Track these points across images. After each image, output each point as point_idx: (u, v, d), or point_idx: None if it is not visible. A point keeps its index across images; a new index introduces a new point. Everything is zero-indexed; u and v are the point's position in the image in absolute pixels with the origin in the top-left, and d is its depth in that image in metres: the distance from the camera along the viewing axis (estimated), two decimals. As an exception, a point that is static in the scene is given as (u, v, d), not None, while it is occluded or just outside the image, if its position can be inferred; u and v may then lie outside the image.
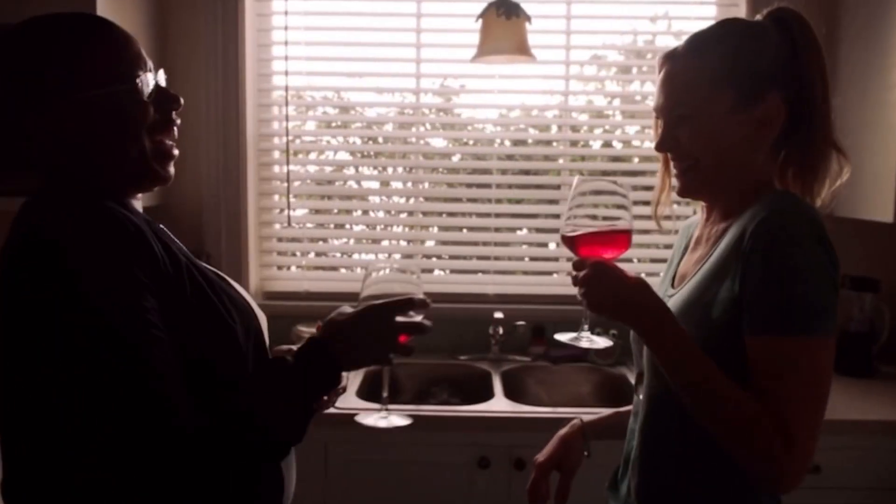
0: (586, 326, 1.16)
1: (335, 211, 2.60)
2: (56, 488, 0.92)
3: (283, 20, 2.39)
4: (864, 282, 2.26)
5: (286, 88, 2.39)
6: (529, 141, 2.57)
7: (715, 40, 1.10)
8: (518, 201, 2.54)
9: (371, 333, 1.05)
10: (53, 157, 1.00)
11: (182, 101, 1.07)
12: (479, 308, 2.43)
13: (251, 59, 2.39)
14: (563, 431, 1.40)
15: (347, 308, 1.09)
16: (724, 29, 1.12)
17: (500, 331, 2.36)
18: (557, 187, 2.52)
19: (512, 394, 2.08)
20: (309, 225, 2.59)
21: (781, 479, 0.96)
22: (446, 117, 2.56)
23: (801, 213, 1.01)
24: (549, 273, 2.53)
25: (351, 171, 2.56)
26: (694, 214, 1.34)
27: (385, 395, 1.22)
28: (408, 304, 1.07)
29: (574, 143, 2.54)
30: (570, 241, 1.12)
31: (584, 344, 1.15)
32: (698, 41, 1.11)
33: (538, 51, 2.13)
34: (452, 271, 2.56)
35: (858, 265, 2.32)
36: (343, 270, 2.61)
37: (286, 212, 2.49)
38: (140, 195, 1.10)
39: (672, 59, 1.12)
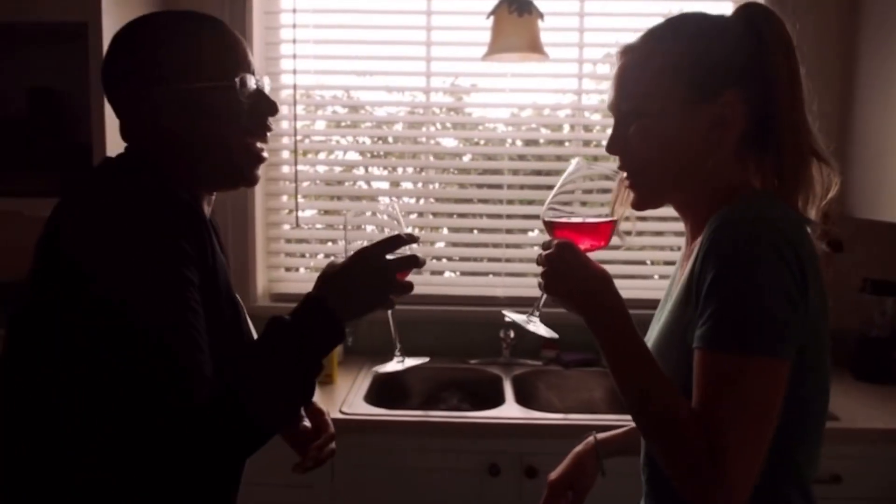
0: (537, 312, 1.13)
1: (344, 212, 2.57)
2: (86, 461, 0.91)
3: (292, 18, 2.36)
4: (885, 285, 2.21)
5: (294, 87, 2.35)
6: (541, 141, 2.53)
7: (669, 33, 1.02)
8: (530, 202, 2.50)
9: (366, 278, 1.02)
10: (143, 140, 1.05)
11: (279, 109, 1.11)
12: (489, 311, 2.39)
13: (259, 58, 2.37)
14: (577, 449, 1.34)
15: (338, 260, 1.06)
16: (681, 21, 1.04)
17: (511, 334, 2.33)
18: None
19: (523, 399, 2.04)
20: (318, 226, 2.56)
21: (707, 500, 0.88)
22: (457, 116, 2.53)
23: (760, 221, 0.91)
24: (562, 275, 2.48)
25: (360, 171, 2.53)
26: None
27: (396, 340, 1.19)
28: (396, 241, 1.04)
29: (587, 143, 2.50)
30: (549, 227, 1.09)
31: (530, 328, 1.12)
32: (653, 34, 1.04)
33: (550, 49, 2.09)
34: (463, 273, 2.52)
35: (879, 268, 2.27)
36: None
37: (294, 212, 2.46)
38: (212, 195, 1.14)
39: (626, 53, 1.05)
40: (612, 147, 1.07)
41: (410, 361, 1.18)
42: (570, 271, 1.01)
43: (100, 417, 0.89)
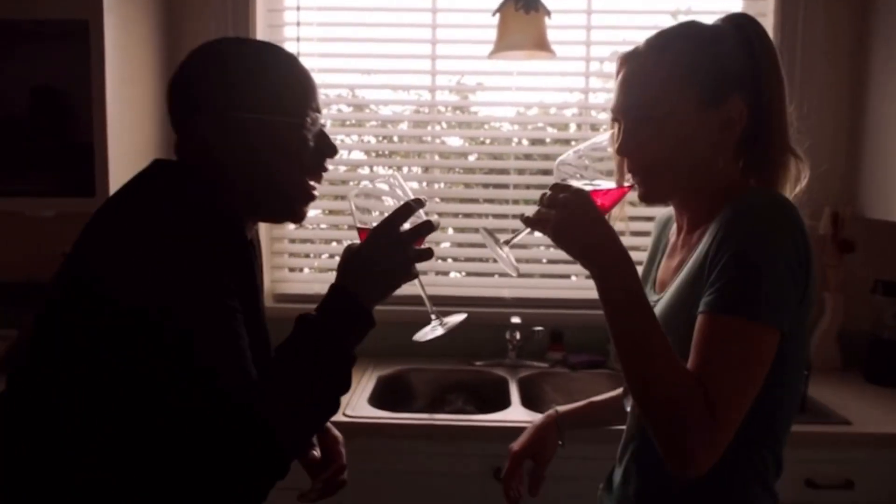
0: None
1: (349, 211, 2.55)
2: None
3: (295, 16, 2.34)
4: (897, 287, 2.17)
5: None
6: (548, 140, 2.50)
7: (677, 39, 1.07)
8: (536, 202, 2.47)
9: (385, 256, 1.01)
10: (200, 159, 1.04)
11: (338, 152, 1.12)
12: (495, 312, 2.37)
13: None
14: (538, 421, 1.44)
15: (355, 244, 1.06)
16: (686, 28, 1.09)
17: (517, 336, 2.30)
18: (577, 188, 2.44)
19: (529, 402, 2.01)
20: (322, 226, 2.54)
21: (695, 449, 0.92)
22: (462, 115, 2.50)
23: (773, 206, 0.99)
24: (568, 276, 2.46)
25: (365, 170, 2.51)
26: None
27: (429, 306, 1.16)
28: (406, 210, 1.03)
29: (594, 143, 2.47)
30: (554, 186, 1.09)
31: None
32: (660, 39, 1.09)
33: (557, 46, 2.06)
34: (468, 274, 2.50)
35: (891, 269, 2.23)
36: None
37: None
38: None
39: (632, 59, 1.10)
40: (624, 149, 1.10)
41: (451, 320, 1.14)
42: (587, 217, 1.01)
43: (112, 419, 0.90)
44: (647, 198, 1.12)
